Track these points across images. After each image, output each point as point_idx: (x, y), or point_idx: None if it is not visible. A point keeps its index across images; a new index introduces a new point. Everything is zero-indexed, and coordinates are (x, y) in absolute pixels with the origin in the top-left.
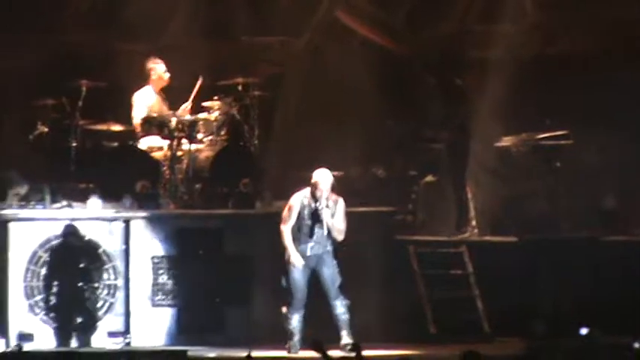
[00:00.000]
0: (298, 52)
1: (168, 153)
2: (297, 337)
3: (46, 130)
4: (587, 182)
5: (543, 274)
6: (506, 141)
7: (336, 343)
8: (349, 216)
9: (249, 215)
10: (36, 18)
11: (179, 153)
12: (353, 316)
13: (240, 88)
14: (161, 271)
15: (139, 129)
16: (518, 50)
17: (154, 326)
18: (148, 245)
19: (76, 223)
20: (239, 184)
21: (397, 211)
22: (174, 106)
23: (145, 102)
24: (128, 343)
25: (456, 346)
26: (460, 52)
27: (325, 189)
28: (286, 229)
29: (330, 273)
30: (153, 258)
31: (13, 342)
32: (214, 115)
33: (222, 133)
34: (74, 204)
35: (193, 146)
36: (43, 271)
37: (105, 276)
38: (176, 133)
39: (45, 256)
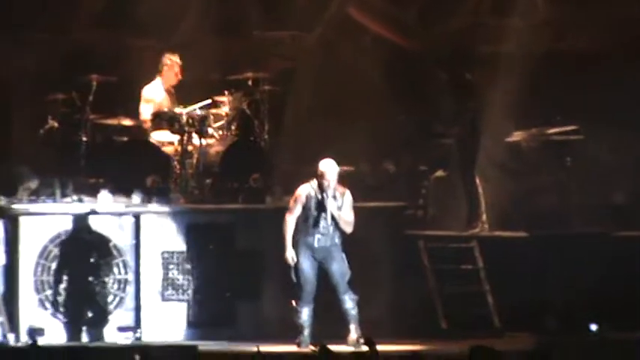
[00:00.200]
0: (310, 47)
1: (179, 148)
2: (307, 332)
3: (56, 124)
4: (598, 177)
5: (554, 270)
6: (516, 136)
7: (344, 338)
8: (360, 211)
9: (260, 210)
10: (49, 16)
11: (189, 148)
12: (362, 311)
13: (250, 82)
14: (171, 266)
15: (147, 123)
16: (529, 46)
17: (164, 321)
18: (158, 240)
19: (86, 218)
20: (249, 179)
21: (407, 206)
22: (183, 103)
23: (152, 97)
24: (138, 338)
25: (466, 341)
26: (471, 48)
27: (332, 179)
28: (290, 220)
29: (339, 267)
30: (163, 253)
31: (23, 336)
32: (225, 109)
33: (233, 127)
34: (84, 198)
35: (204, 141)
36: (54, 265)
37: (115, 270)
38: (186, 128)
39: (55, 251)
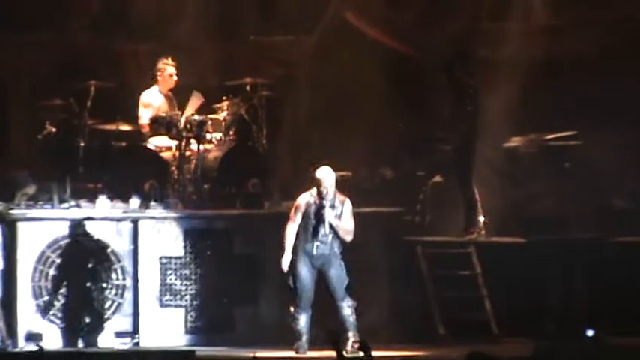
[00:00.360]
0: (307, 52)
1: (177, 153)
2: (304, 337)
3: (54, 130)
4: (596, 183)
5: (551, 275)
6: (514, 142)
7: (343, 344)
8: (358, 217)
9: (258, 215)
10: (45, 20)
11: (187, 153)
12: (359, 318)
13: (248, 88)
14: (169, 272)
15: (145, 129)
16: (528, 50)
17: (162, 326)
18: (156, 245)
19: (84, 223)
20: (247, 184)
21: (405, 211)
22: (182, 106)
23: (151, 102)
24: (136, 344)
25: (464, 346)
26: (469, 53)
27: (329, 185)
28: (290, 229)
29: (337, 274)
30: (161, 258)
31: (21, 342)
32: (223, 115)
33: (231, 133)
34: (82, 204)
35: (202, 146)
36: (52, 271)
37: (113, 276)
38: (184, 134)
39: (53, 256)
